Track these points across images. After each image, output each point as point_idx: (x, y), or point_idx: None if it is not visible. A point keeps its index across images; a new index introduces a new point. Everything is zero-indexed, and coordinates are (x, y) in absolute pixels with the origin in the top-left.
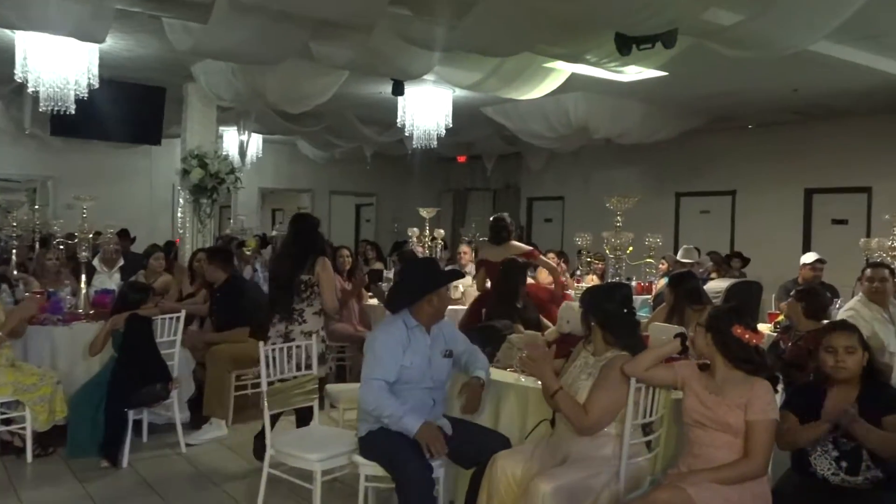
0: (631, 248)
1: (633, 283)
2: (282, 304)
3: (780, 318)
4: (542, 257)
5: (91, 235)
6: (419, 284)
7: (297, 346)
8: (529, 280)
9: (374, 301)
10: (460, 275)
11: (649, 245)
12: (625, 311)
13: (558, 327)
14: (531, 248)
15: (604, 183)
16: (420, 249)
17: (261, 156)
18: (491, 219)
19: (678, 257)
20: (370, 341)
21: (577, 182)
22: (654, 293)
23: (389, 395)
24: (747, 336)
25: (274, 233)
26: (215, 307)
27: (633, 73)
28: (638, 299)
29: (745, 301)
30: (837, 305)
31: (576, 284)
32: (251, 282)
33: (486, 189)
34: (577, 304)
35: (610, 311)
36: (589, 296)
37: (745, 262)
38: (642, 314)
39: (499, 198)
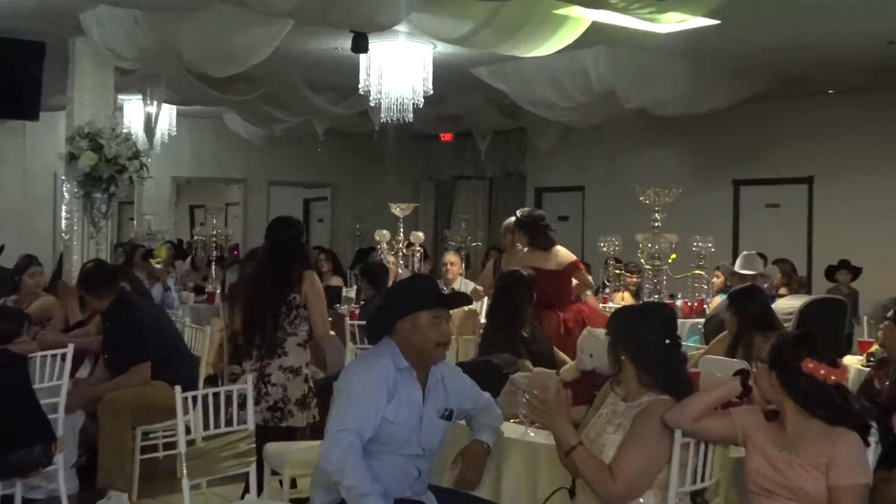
0: (674, 256)
1: (678, 303)
2: (263, 336)
3: (874, 347)
4: (585, 273)
5: None
6: (407, 300)
7: (233, 392)
8: (584, 301)
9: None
10: (466, 300)
11: (698, 251)
12: (666, 340)
13: (578, 363)
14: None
15: (636, 168)
16: (392, 259)
17: (175, 134)
18: (523, 215)
19: (736, 267)
20: (345, 379)
21: (601, 167)
22: (706, 316)
23: (359, 457)
24: (822, 372)
25: (195, 238)
26: (104, 342)
27: (674, 21)
28: (685, 324)
29: (823, 325)
30: None
31: (601, 305)
32: (156, 304)
33: (480, 177)
34: (601, 331)
35: (646, 340)
36: (618, 321)
37: (856, 273)
38: (690, 344)
39: (497, 188)
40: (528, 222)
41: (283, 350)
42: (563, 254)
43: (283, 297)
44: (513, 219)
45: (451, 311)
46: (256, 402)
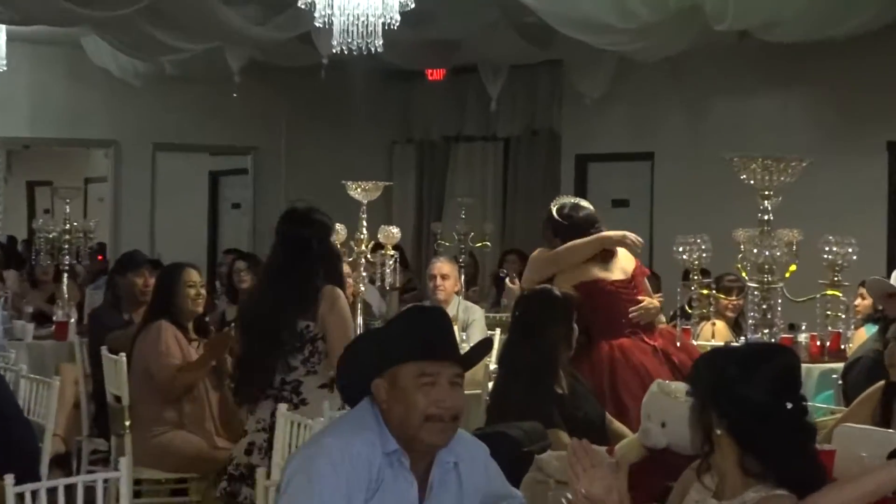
0: (794, 268)
1: (802, 340)
2: (263, 373)
3: None
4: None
5: None
6: (379, 346)
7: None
8: (662, 326)
9: None
10: (483, 348)
11: (833, 259)
12: (787, 403)
13: (642, 436)
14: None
15: (733, 127)
16: (349, 271)
17: (3, 71)
18: (560, 211)
19: (893, 280)
20: (296, 472)
21: (679, 124)
22: (845, 360)
23: None
24: None
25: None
26: None
27: None
28: (811, 373)
29: None
30: None
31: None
32: None
33: (489, 138)
34: (680, 387)
35: (753, 403)
36: (708, 371)
37: None
38: (821, 405)
39: (516, 154)
40: (567, 225)
41: (297, 395)
42: (625, 255)
43: (294, 324)
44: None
45: (462, 368)
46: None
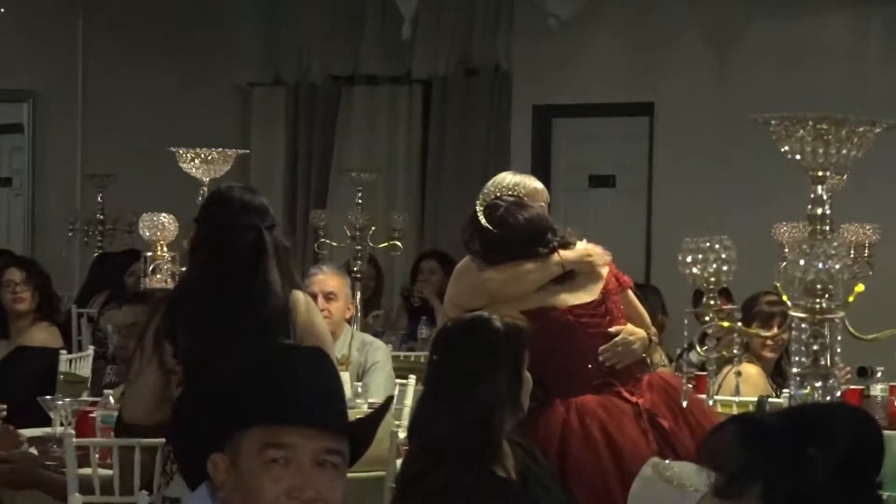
0: (861, 288)
1: (878, 394)
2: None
3: None
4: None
5: None
6: (214, 402)
7: None
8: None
9: None
10: (377, 418)
11: None
12: (852, 496)
13: None
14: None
15: (777, 63)
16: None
17: None
18: (511, 209)
19: None
20: None
21: (692, 59)
22: None
23: None
24: None
25: None
26: None
27: None
28: (891, 444)
29: None
30: None
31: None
32: None
33: (399, 79)
34: (682, 470)
35: (800, 497)
36: (742, 442)
37: None
38: None
39: (441, 105)
40: (500, 238)
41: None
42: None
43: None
44: (528, 181)
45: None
46: None
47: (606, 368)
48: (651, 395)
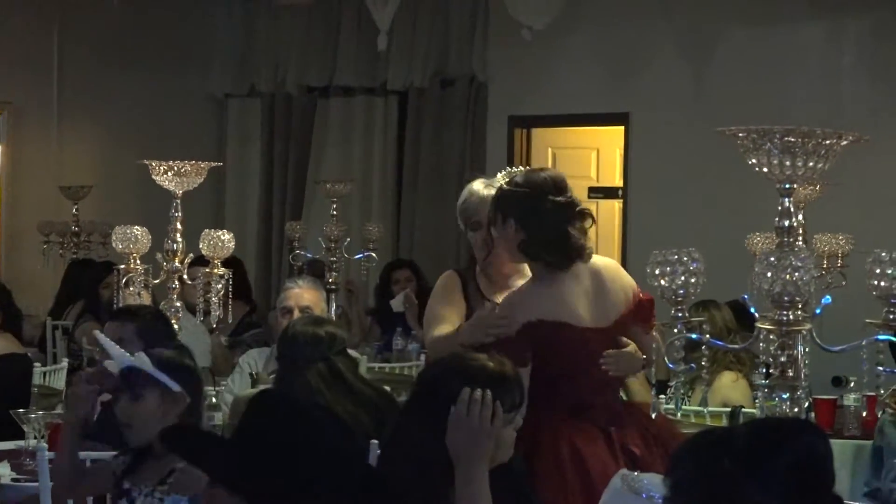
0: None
1: (851, 403)
2: None
3: None
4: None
5: None
6: None
7: None
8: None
9: None
10: None
11: (886, 288)
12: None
13: None
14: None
15: (750, 72)
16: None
17: None
18: (513, 183)
19: None
20: None
21: (668, 68)
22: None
23: None
24: None
25: None
26: None
27: None
28: (862, 452)
29: None
30: None
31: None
32: None
33: (375, 90)
34: (651, 481)
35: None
36: (693, 463)
37: None
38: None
39: (417, 116)
40: (528, 206)
41: None
42: (615, 272)
43: None
44: (480, 189)
45: None
46: None
47: (590, 389)
48: (625, 424)
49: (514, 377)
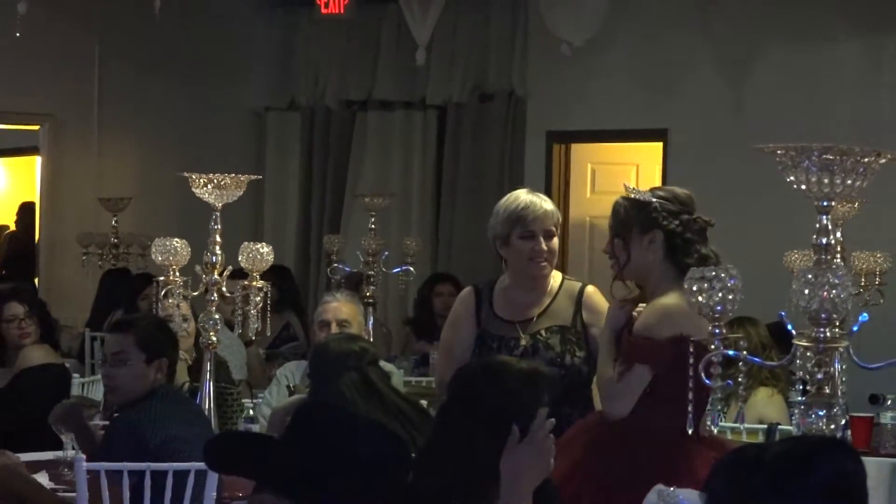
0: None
1: (888, 421)
2: None
3: None
4: None
5: None
6: None
7: None
8: None
9: None
10: None
11: None
12: None
13: None
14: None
15: (792, 90)
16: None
17: None
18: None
19: None
20: None
21: (707, 84)
22: None
23: None
24: None
25: None
26: None
27: None
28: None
29: None
30: None
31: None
32: None
33: (413, 105)
34: (688, 495)
35: None
36: (725, 484)
37: None
38: None
39: (456, 130)
40: (682, 220)
41: None
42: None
43: None
44: (533, 199)
45: None
46: None
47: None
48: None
49: (549, 378)
